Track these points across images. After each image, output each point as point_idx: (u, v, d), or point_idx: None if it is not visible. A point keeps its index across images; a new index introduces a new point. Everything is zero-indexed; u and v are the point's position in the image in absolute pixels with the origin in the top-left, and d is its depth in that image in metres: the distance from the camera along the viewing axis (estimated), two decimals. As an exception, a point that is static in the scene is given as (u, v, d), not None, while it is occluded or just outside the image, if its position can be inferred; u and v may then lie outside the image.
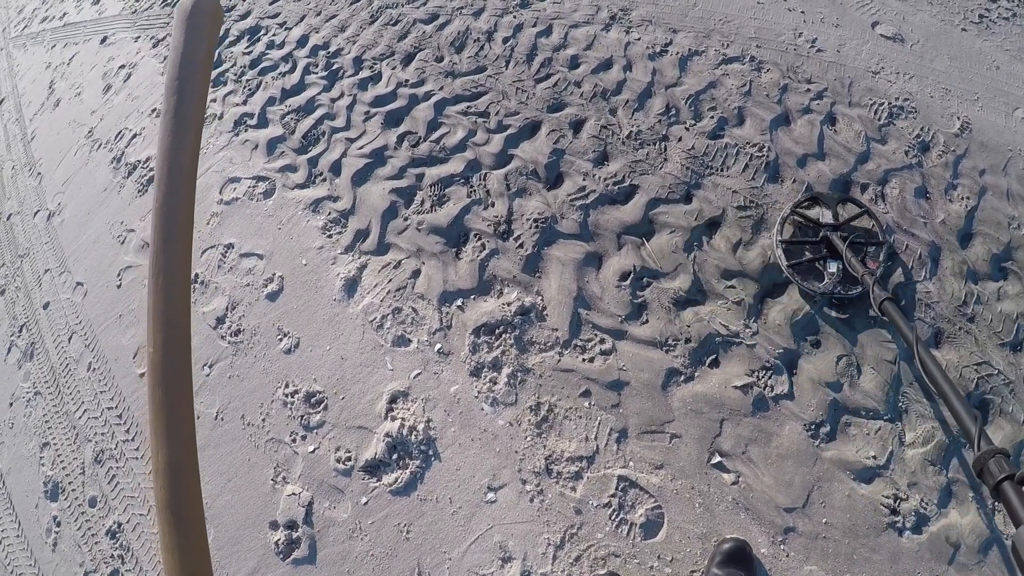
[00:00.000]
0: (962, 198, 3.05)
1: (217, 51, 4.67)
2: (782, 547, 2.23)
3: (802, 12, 3.75)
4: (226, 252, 3.33)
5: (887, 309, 2.13)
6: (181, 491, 0.59)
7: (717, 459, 2.40)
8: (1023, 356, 2.69)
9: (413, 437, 2.57)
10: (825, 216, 2.82)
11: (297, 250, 3.21)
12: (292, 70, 4.15)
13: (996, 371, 2.61)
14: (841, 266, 2.64)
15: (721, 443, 2.41)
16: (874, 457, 2.41)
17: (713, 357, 2.60)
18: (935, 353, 2.61)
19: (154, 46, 5.09)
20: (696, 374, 2.56)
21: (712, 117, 3.23)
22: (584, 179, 3.06)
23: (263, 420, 2.77)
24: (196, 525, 0.60)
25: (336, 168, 3.43)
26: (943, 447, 2.43)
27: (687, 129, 3.19)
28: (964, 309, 2.74)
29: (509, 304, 2.78)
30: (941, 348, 2.66)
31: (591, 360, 2.62)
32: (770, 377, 2.54)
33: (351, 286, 3.01)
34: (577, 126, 3.27)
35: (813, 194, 2.89)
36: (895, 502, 2.34)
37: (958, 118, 3.32)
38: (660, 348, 2.62)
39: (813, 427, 2.44)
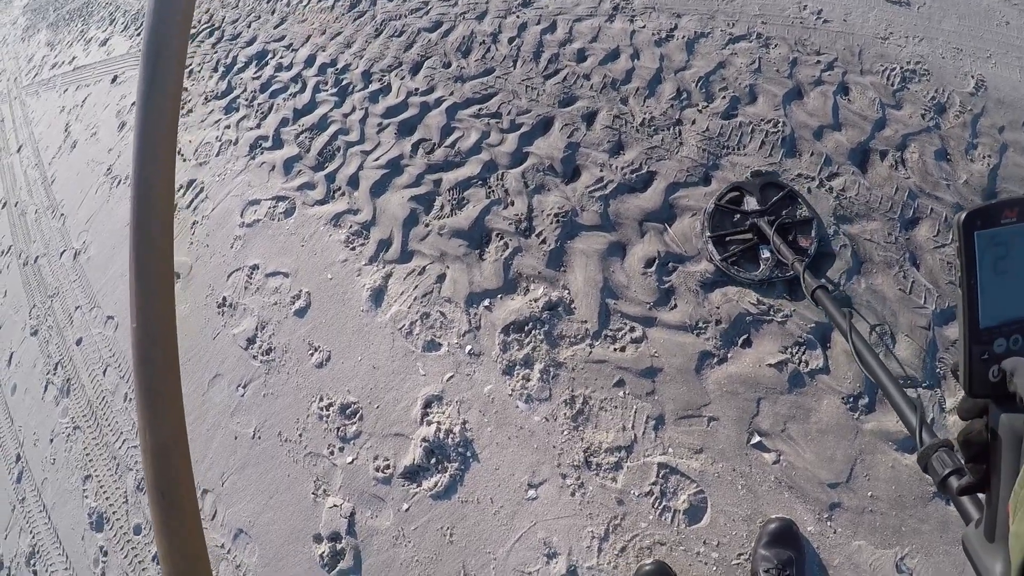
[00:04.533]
0: (983, 157, 3.00)
1: (227, 78, 4.74)
2: (828, 523, 2.19)
3: None
4: (251, 273, 3.36)
5: (819, 297, 2.05)
6: (171, 472, 0.58)
7: (757, 439, 2.37)
8: None
9: (450, 440, 2.56)
10: (751, 203, 2.80)
11: (321, 265, 3.23)
12: (302, 90, 4.20)
13: None
14: (772, 250, 2.60)
15: (759, 423, 2.38)
16: None
17: (745, 337, 2.57)
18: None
19: (165, 80, 5.15)
20: (729, 355, 2.53)
21: (724, 97, 3.20)
22: (601, 170, 3.05)
23: (300, 435, 2.79)
24: (188, 506, 0.59)
25: (354, 181, 3.46)
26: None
27: (700, 111, 3.17)
28: None
29: (536, 300, 2.77)
30: None
31: (622, 349, 2.61)
32: (804, 352, 2.50)
33: (377, 296, 3.02)
34: (590, 118, 3.27)
35: (735, 184, 2.87)
36: None
37: (972, 77, 3.27)
38: (691, 332, 2.59)
39: (851, 400, 2.39)
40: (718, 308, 2.62)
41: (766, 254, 2.64)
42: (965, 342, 0.66)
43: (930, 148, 2.98)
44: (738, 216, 2.79)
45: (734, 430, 2.37)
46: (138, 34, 6.31)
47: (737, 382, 2.46)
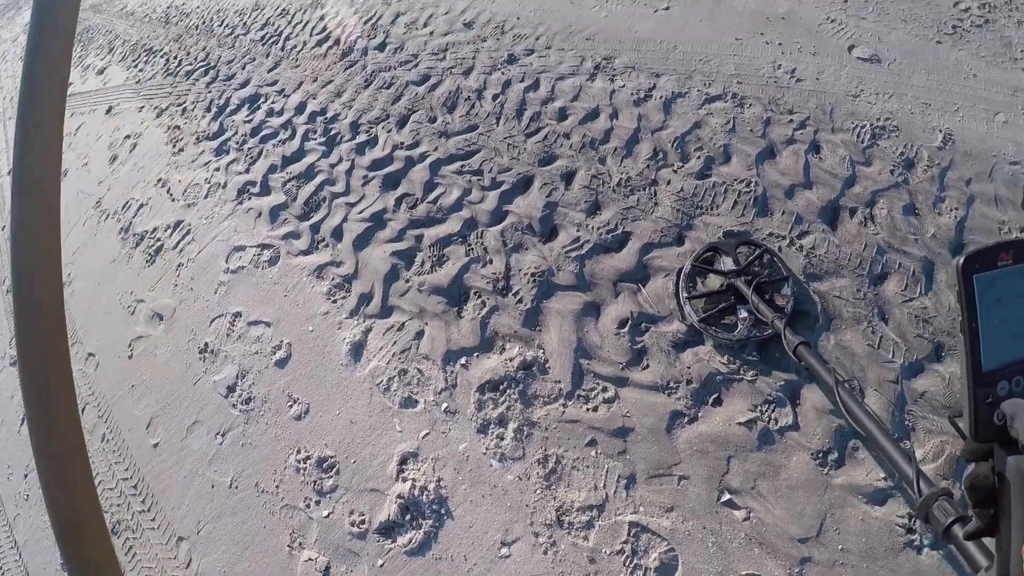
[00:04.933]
0: (951, 210, 3.09)
1: (220, 119, 4.81)
2: (799, 580, 2.23)
3: (779, 44, 3.86)
4: (234, 321, 3.40)
5: (802, 354, 2.11)
6: (55, 413, 0.53)
7: (727, 497, 2.41)
8: None
9: (425, 497, 2.60)
10: (726, 263, 2.84)
11: (303, 316, 3.28)
12: (292, 137, 4.27)
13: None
14: (751, 310, 2.66)
15: (730, 480, 2.42)
16: (885, 478, 2.42)
17: (716, 396, 2.63)
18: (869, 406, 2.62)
19: (158, 116, 5.24)
20: (700, 414, 2.59)
21: (699, 157, 3.30)
22: (578, 230, 3.13)
23: (277, 487, 2.82)
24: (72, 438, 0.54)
25: (338, 233, 3.52)
26: (954, 459, 2.45)
27: (675, 171, 3.26)
28: None
29: (511, 360, 2.83)
30: (943, 362, 2.68)
31: (595, 409, 2.66)
32: (773, 410, 2.56)
33: (357, 350, 3.07)
34: (568, 178, 3.36)
35: (711, 244, 2.92)
36: (910, 520, 2.35)
37: (940, 131, 3.37)
38: (663, 392, 2.65)
39: (821, 455, 2.45)
40: (689, 368, 2.69)
41: (743, 314, 2.69)
42: (969, 386, 0.67)
43: (898, 203, 3.08)
44: (713, 276, 2.85)
45: (704, 488, 2.42)
46: (135, 66, 6.40)
47: (707, 441, 2.51)
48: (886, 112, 3.47)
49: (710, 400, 2.62)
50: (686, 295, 2.80)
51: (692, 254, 2.92)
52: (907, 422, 2.54)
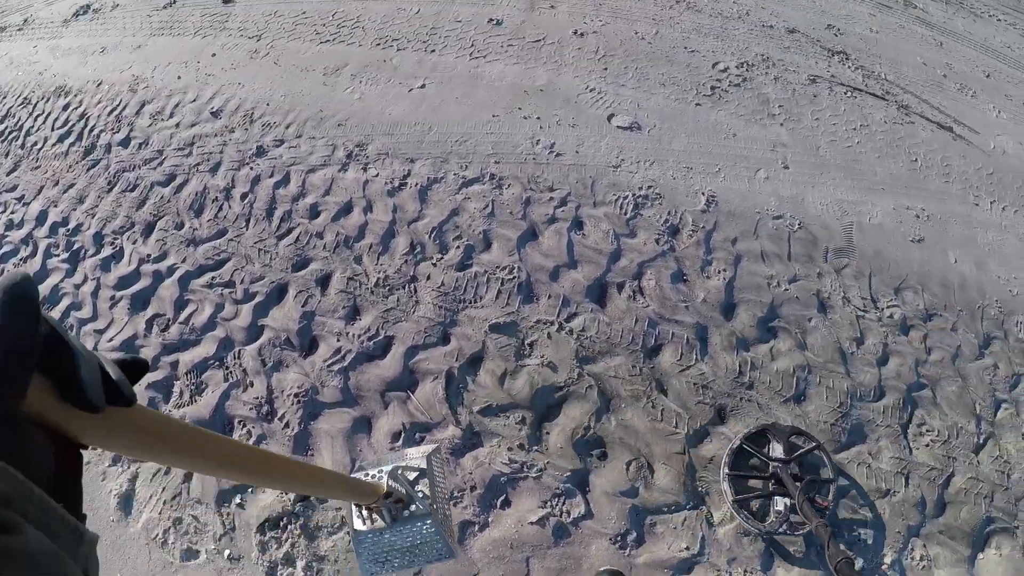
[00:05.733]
0: (719, 272, 3.21)
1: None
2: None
3: (538, 118, 3.87)
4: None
5: (843, 569, 2.00)
6: None
7: None
8: (808, 404, 2.86)
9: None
10: (776, 450, 2.68)
11: (61, 471, 2.97)
12: (33, 253, 3.87)
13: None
14: (789, 504, 2.53)
15: (532, 582, 2.42)
16: (687, 548, 2.49)
17: (503, 498, 2.61)
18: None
19: None
20: (490, 519, 2.56)
21: (458, 247, 3.25)
22: (338, 339, 3.01)
23: None
24: None
25: (88, 368, 3.21)
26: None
27: (434, 265, 3.20)
28: (741, 379, 2.89)
29: (286, 493, 2.68)
30: (727, 423, 2.79)
31: (378, 530, 2.57)
32: (564, 502, 2.58)
33: (126, 502, 2.82)
34: (324, 282, 3.22)
35: (764, 425, 2.75)
36: None
37: (703, 194, 3.50)
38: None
39: (619, 538, 2.50)
40: (471, 473, 2.65)
41: (780, 506, 2.54)
42: None
43: (666, 272, 3.16)
44: (758, 460, 2.71)
45: (507, 596, 2.40)
46: None
47: (503, 546, 2.49)
48: (648, 180, 3.55)
49: (498, 503, 2.60)
50: (727, 471, 2.64)
51: (744, 433, 2.75)
52: (700, 488, 2.63)
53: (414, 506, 1.43)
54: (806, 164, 3.88)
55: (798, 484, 2.46)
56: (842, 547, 2.19)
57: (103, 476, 2.90)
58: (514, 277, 3.14)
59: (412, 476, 1.45)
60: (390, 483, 1.51)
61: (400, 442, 2.74)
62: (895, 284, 3.40)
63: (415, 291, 3.13)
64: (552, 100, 4.00)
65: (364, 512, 1.53)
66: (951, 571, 2.62)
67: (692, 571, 2.45)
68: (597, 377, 2.86)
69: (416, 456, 1.48)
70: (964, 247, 3.69)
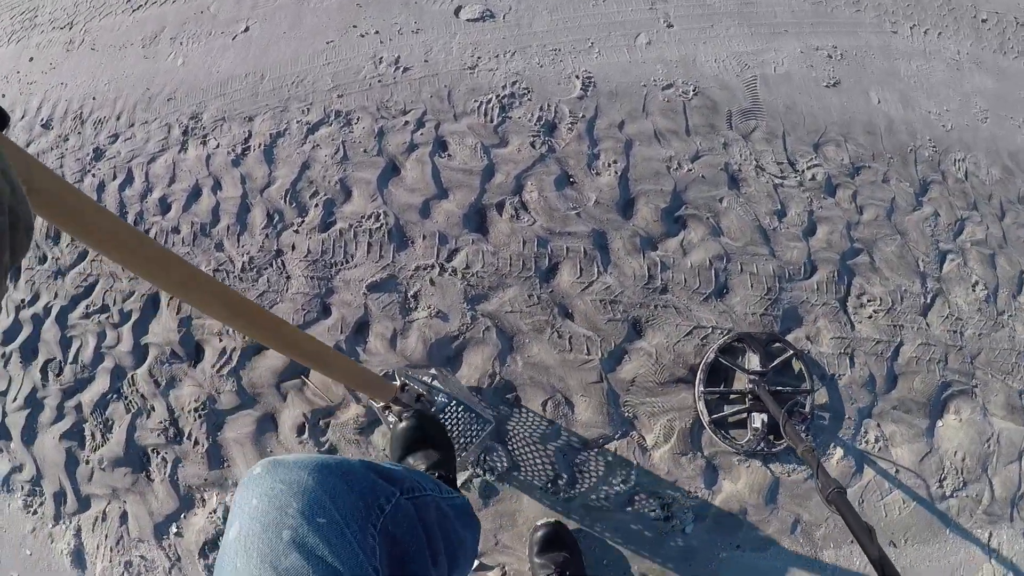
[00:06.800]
0: (608, 165, 2.93)
1: None
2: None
3: (376, 32, 3.44)
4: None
5: (836, 501, 1.77)
6: None
7: (476, 562, 2.37)
8: (732, 297, 2.67)
9: None
10: (752, 362, 2.52)
11: (15, 543, 2.92)
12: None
13: (710, 328, 2.60)
14: (766, 420, 2.40)
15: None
16: (623, 481, 2.41)
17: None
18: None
19: None
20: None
21: (317, 205, 2.97)
22: (220, 339, 2.82)
23: None
24: None
25: (4, 433, 3.10)
26: (685, 432, 2.45)
27: (297, 232, 2.94)
28: (652, 284, 2.69)
29: (215, 511, 2.62)
30: (645, 337, 2.61)
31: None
32: (485, 460, 2.48)
33: (79, 557, 2.78)
34: (193, 281, 2.99)
35: (740, 334, 2.57)
36: (663, 509, 2.37)
37: (577, 77, 3.16)
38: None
39: (550, 485, 2.42)
40: (384, 450, 2.53)
41: (757, 423, 2.42)
42: None
43: (548, 179, 2.89)
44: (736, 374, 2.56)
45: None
46: None
47: None
48: (511, 75, 3.18)
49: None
50: (702, 389, 2.49)
51: (718, 344, 2.57)
52: (627, 414, 2.50)
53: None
54: (692, 17, 3.45)
55: (781, 408, 2.24)
56: (832, 476, 2.02)
57: (51, 538, 2.85)
58: (381, 225, 2.88)
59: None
60: (403, 379, 1.77)
61: (307, 434, 2.61)
62: (813, 140, 3.09)
63: (283, 266, 2.89)
64: (389, 6, 3.53)
65: (391, 416, 1.86)
66: (909, 447, 2.50)
67: (633, 503, 2.38)
68: (492, 316, 2.66)
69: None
70: (886, 83, 3.34)
